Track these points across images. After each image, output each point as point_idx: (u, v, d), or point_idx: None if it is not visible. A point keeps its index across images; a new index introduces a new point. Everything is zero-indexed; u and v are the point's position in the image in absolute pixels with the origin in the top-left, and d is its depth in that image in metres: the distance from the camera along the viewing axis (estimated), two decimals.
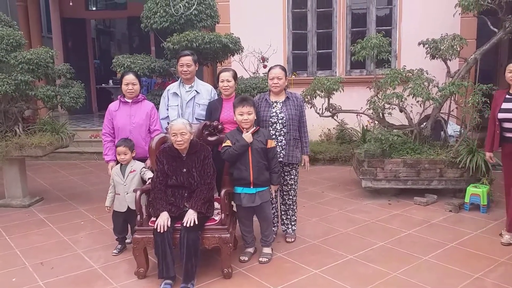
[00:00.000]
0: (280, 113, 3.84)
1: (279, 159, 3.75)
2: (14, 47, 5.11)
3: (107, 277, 3.44)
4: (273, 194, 3.86)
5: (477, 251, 3.77)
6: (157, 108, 4.22)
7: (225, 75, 3.90)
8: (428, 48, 5.62)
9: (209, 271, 3.45)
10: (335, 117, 5.68)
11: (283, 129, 3.83)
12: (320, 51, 7.70)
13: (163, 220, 3.22)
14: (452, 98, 5.42)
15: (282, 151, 3.82)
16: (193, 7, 5.49)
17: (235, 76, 3.97)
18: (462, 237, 4.07)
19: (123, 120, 4.03)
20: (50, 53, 5.10)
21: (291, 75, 7.60)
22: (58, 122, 5.49)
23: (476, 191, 4.73)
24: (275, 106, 3.87)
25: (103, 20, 14.18)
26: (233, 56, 5.96)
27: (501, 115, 3.86)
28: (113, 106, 4.13)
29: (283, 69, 3.92)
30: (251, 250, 3.75)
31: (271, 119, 3.84)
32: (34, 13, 9.73)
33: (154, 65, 5.57)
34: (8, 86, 4.77)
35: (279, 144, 3.81)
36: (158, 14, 5.50)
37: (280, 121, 3.83)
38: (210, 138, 3.73)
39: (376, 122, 5.54)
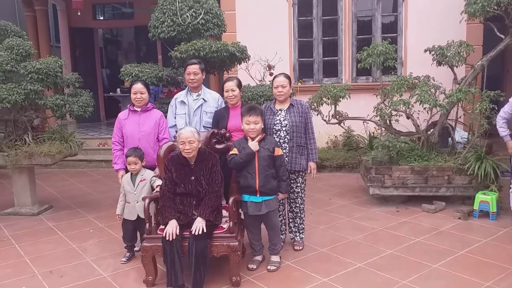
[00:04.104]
0: (283, 120, 3.85)
1: None
2: (23, 57, 5.21)
3: (116, 286, 3.45)
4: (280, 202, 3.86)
5: (487, 259, 3.73)
6: (165, 117, 4.25)
7: (229, 85, 3.93)
8: (435, 55, 5.62)
9: (218, 279, 3.45)
10: (341, 124, 5.68)
11: (287, 136, 3.84)
12: (326, 58, 7.73)
13: (172, 228, 3.23)
14: (459, 105, 5.41)
15: (286, 158, 3.83)
16: (200, 17, 5.54)
17: (239, 84, 3.99)
18: (471, 245, 4.04)
19: (132, 129, 4.06)
20: (59, 62, 5.18)
21: (297, 82, 7.63)
22: (67, 131, 5.55)
23: (485, 198, 4.70)
24: (279, 114, 3.89)
25: (110, 29, 14.31)
26: (239, 64, 6.00)
27: None
28: (122, 114, 4.17)
29: (288, 77, 3.94)
30: (259, 258, 3.75)
31: (275, 127, 3.86)
32: (43, 23, 9.86)
33: (162, 74, 5.61)
34: (18, 95, 4.83)
35: (283, 151, 3.82)
36: (165, 23, 5.55)
37: (283, 128, 3.84)
38: (218, 146, 3.75)
39: (383, 129, 5.53)
